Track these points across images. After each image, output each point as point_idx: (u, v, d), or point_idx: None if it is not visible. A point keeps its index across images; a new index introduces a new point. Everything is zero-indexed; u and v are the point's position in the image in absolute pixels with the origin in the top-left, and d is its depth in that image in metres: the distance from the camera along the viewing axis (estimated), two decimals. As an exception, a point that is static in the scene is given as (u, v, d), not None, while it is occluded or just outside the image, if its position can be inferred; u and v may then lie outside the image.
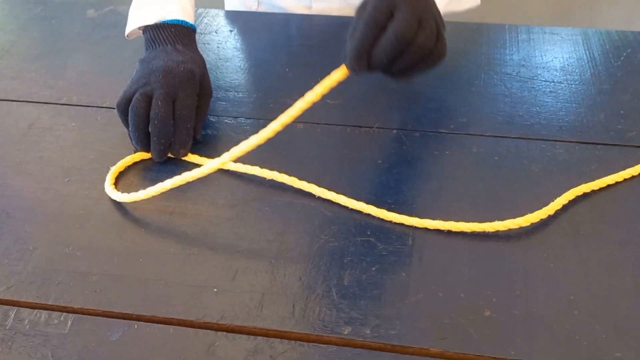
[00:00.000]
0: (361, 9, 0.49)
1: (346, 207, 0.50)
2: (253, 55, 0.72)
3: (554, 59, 0.67)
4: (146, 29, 0.61)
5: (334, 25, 0.76)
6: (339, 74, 0.50)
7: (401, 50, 0.46)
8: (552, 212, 0.48)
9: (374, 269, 0.45)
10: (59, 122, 0.61)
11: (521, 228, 0.48)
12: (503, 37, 0.71)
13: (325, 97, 0.62)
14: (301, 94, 0.63)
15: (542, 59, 0.67)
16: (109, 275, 0.46)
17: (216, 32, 0.75)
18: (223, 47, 0.72)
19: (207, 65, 0.62)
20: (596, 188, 0.51)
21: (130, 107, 0.54)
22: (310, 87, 0.64)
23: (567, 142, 0.56)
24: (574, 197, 0.50)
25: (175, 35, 0.60)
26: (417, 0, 0.47)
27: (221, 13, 0.80)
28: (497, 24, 0.74)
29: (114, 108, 0.61)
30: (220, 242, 0.48)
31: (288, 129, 0.58)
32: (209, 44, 0.73)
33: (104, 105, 0.63)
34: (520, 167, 0.54)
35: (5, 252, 0.48)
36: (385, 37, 0.46)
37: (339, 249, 0.47)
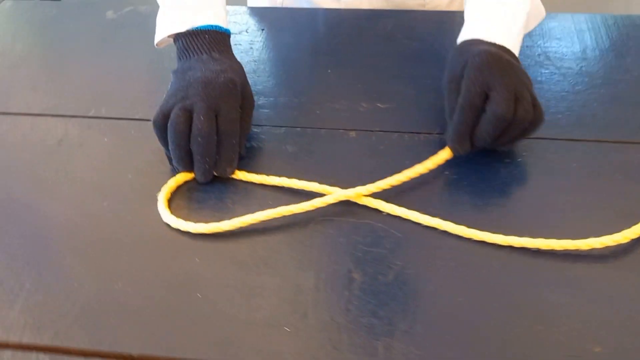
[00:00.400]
0: (450, 83, 0.50)
1: (418, 225, 0.46)
2: (288, 56, 0.66)
3: (615, 51, 0.63)
4: (177, 37, 0.55)
5: (364, 19, 0.71)
6: (445, 154, 0.50)
7: (503, 128, 0.47)
8: None
9: (460, 299, 0.41)
10: (89, 138, 0.56)
11: (619, 245, 0.43)
12: (560, 28, 0.66)
13: (374, 100, 0.58)
14: (348, 98, 0.59)
15: (600, 52, 0.63)
16: (167, 314, 0.41)
17: (247, 32, 0.70)
18: (256, 48, 0.67)
19: (251, 69, 0.57)
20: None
21: (169, 124, 0.49)
22: (356, 90, 0.60)
23: (603, 142, 0.51)
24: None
25: (210, 42, 0.54)
26: (509, 75, 0.47)
27: (247, 10, 0.74)
28: (554, 13, 0.68)
29: (148, 120, 0.57)
30: (284, 272, 0.44)
31: (339, 138, 0.55)
32: (240, 44, 0.68)
33: (136, 117, 0.58)
34: (603, 173, 0.49)
35: (48, 291, 0.43)
36: (486, 119, 0.47)
37: (416, 276, 0.43)
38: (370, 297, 0.42)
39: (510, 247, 0.44)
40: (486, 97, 0.47)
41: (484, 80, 0.47)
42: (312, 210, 0.47)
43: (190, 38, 0.54)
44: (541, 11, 0.57)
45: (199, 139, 0.48)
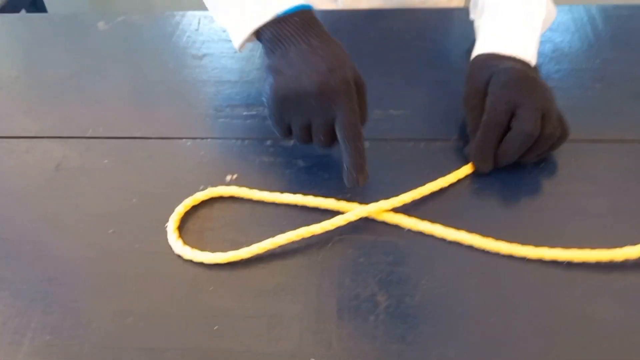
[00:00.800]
0: (472, 99, 0.49)
1: (442, 240, 0.44)
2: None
3: (633, 44, 0.60)
4: (263, 29, 0.47)
5: (364, 19, 0.68)
6: (467, 168, 0.49)
7: (529, 146, 0.46)
8: None
9: (493, 320, 0.39)
10: (89, 160, 0.53)
11: (655, 254, 0.41)
12: (572, 20, 0.64)
13: (387, 107, 0.56)
14: (371, 105, 0.56)
15: (617, 45, 0.60)
16: (183, 349, 0.39)
17: (247, 38, 0.67)
18: (258, 55, 0.64)
19: (243, 77, 0.54)
20: None
21: (294, 140, 0.48)
22: (380, 97, 0.57)
23: (629, 142, 0.49)
24: None
25: (304, 26, 0.46)
26: (535, 92, 0.46)
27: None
28: (565, 5, 0.66)
29: (149, 138, 0.55)
30: (305, 298, 0.41)
31: (353, 148, 0.52)
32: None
33: (136, 136, 0.55)
34: (632, 174, 0.47)
35: (56, 328, 0.41)
36: (512, 136, 0.46)
37: (446, 296, 0.40)
38: (397, 321, 0.39)
39: (541, 260, 0.42)
40: (512, 115, 0.46)
41: (510, 98, 0.46)
42: (331, 230, 0.44)
43: (279, 25, 0.47)
44: (552, 11, 0.55)
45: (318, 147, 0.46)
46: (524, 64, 0.49)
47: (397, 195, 0.47)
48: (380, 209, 0.45)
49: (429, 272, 0.42)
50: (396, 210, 0.46)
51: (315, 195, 0.47)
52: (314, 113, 0.44)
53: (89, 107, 0.59)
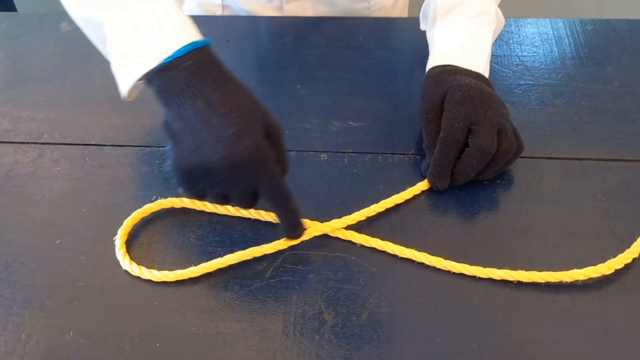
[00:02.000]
0: (428, 113, 0.48)
1: (393, 258, 0.43)
2: (252, 70, 0.63)
3: (595, 59, 0.60)
4: (150, 77, 0.40)
5: (309, 25, 0.67)
6: (423, 185, 0.48)
7: (486, 162, 0.46)
8: (637, 255, 0.42)
9: (438, 340, 0.39)
10: (41, 167, 0.52)
11: (603, 276, 0.41)
12: (538, 34, 0.64)
13: (346, 118, 0.55)
14: (318, 116, 0.56)
15: (582, 60, 0.60)
16: (122, 367, 0.38)
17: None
18: (221, 61, 0.63)
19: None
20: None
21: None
22: (327, 107, 0.56)
23: (633, 162, 0.49)
24: (656, 231, 0.43)
25: (197, 74, 0.40)
26: (491, 108, 0.46)
27: (212, 20, 0.71)
28: (532, 19, 0.66)
29: (104, 145, 0.54)
30: (251, 315, 0.41)
31: (310, 161, 0.51)
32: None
33: (92, 142, 0.54)
34: (585, 194, 0.47)
35: (-7, 344, 0.40)
36: (470, 153, 0.46)
37: (393, 315, 0.40)
38: (342, 341, 0.39)
39: (490, 280, 0.42)
40: (468, 131, 0.46)
41: (466, 115, 0.46)
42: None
43: (167, 74, 0.40)
44: (502, 22, 0.55)
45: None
46: (478, 76, 0.49)
47: (351, 208, 0.46)
48: (334, 228, 0.44)
49: (377, 290, 0.41)
50: (350, 226, 0.45)
51: (267, 209, 0.46)
52: (228, 185, 0.40)
53: (46, 111, 0.58)
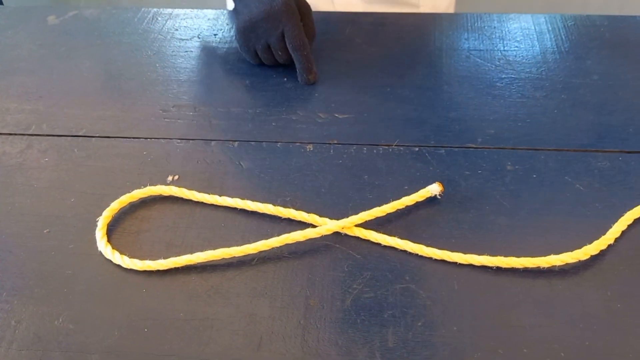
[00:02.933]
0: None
1: (377, 246, 0.44)
2: (243, 63, 0.63)
3: (575, 53, 0.62)
4: None
5: (320, 23, 0.69)
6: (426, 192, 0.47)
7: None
8: (612, 241, 0.43)
9: (419, 324, 0.40)
10: (29, 158, 0.52)
11: (579, 262, 0.42)
12: (520, 29, 0.65)
13: (332, 110, 0.56)
14: (305, 108, 0.56)
15: (563, 54, 0.62)
16: (111, 352, 0.39)
17: (198, 37, 0.67)
18: (208, 54, 0.64)
19: (193, 76, 0.55)
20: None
21: (264, 62, 0.60)
22: (313, 100, 0.57)
23: (609, 152, 0.51)
24: (632, 221, 0.45)
25: None
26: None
27: (198, 14, 0.71)
28: (514, 14, 0.67)
29: (92, 137, 0.54)
30: (237, 300, 0.41)
31: (296, 152, 0.52)
32: (191, 50, 0.65)
33: (80, 134, 0.55)
34: (564, 185, 0.48)
35: (-18, 330, 0.40)
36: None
37: (376, 301, 0.41)
38: (327, 325, 0.40)
39: (471, 266, 0.43)
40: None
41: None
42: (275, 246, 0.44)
43: None
44: None
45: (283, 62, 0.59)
46: None
47: (336, 198, 0.47)
48: (329, 229, 0.45)
49: (361, 277, 0.42)
50: (335, 214, 0.46)
51: (254, 199, 0.47)
52: (268, 34, 0.56)
53: (34, 103, 0.58)
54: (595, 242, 0.42)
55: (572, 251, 0.42)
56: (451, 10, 0.82)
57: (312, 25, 0.59)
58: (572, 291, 0.41)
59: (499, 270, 0.42)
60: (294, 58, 0.58)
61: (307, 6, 0.59)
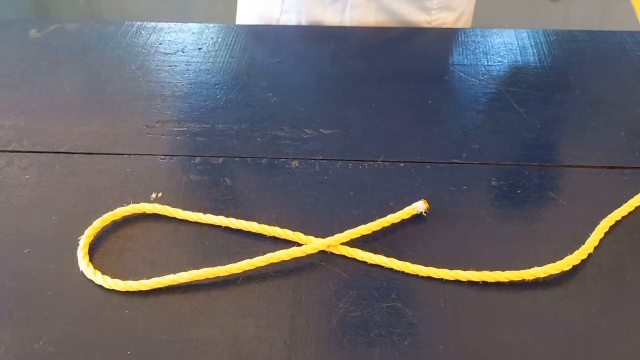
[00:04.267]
0: None
1: (363, 264, 0.44)
2: (226, 77, 0.63)
3: (557, 69, 0.62)
4: None
5: (282, 35, 0.69)
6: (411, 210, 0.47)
7: None
8: (591, 250, 0.43)
9: (406, 343, 0.39)
10: (9, 175, 0.52)
11: (562, 273, 0.43)
12: (503, 44, 0.66)
13: (318, 126, 0.56)
14: (290, 123, 0.56)
15: (546, 69, 0.62)
16: (93, 376, 0.38)
17: (183, 51, 0.66)
18: (192, 70, 0.64)
19: (177, 91, 0.54)
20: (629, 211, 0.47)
21: None
22: (298, 115, 0.57)
23: (591, 168, 0.51)
24: (608, 227, 0.45)
25: None
26: None
27: (183, 28, 0.71)
28: (497, 29, 0.68)
29: (74, 153, 0.53)
30: (221, 321, 0.41)
31: (281, 168, 0.52)
32: (176, 65, 0.64)
33: (61, 150, 0.54)
34: (547, 200, 0.48)
35: (-41, 355, 0.39)
36: None
37: (362, 320, 0.41)
38: (313, 345, 0.40)
39: (457, 282, 0.43)
40: None
41: None
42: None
43: None
44: None
45: None
46: None
47: (321, 214, 0.47)
48: (314, 248, 0.44)
49: (347, 295, 0.42)
50: (319, 232, 0.46)
51: (239, 216, 0.47)
52: None
53: (14, 118, 0.57)
54: (576, 252, 0.43)
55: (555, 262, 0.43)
56: (462, 24, 0.80)
57: None
58: (556, 307, 0.41)
59: (484, 285, 0.43)
60: None
61: None
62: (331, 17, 0.74)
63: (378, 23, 0.74)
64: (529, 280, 0.42)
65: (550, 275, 0.43)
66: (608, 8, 1.35)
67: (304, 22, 0.74)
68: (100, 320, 0.41)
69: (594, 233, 0.45)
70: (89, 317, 0.41)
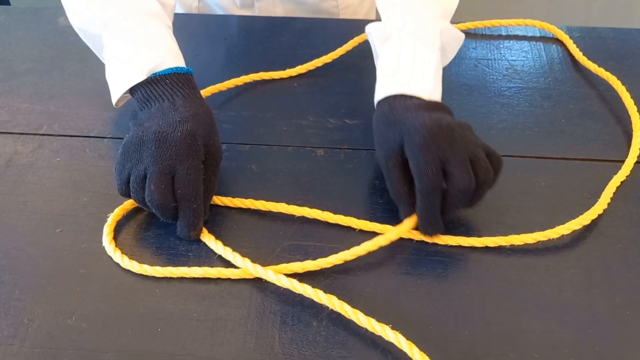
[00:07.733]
0: (389, 160, 0.45)
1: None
2: (251, 66, 0.64)
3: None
4: (135, 88, 0.48)
5: (330, 28, 0.69)
6: (410, 223, 0.45)
7: (471, 196, 0.44)
8: (605, 206, 0.47)
9: (431, 327, 0.40)
10: (41, 157, 0.53)
11: (587, 262, 0.44)
12: (527, 40, 0.66)
13: (342, 116, 0.57)
14: (315, 113, 0.57)
15: (569, 65, 0.62)
16: (125, 352, 0.39)
17: (214, 39, 0.67)
18: (219, 58, 0.64)
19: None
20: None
21: (132, 196, 0.45)
22: (323, 105, 0.58)
23: (615, 162, 0.51)
24: (619, 184, 0.49)
25: (172, 86, 0.47)
26: (457, 142, 0.43)
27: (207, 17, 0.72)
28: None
29: (104, 137, 0.55)
30: (250, 302, 0.42)
31: (307, 156, 0.53)
32: (203, 54, 0.65)
33: (91, 135, 0.55)
34: (571, 192, 0.49)
35: (-5, 328, 0.40)
36: (452, 195, 0.43)
37: (387, 297, 0.41)
38: (339, 327, 0.40)
39: (483, 271, 0.43)
40: (443, 172, 0.43)
41: (435, 158, 0.43)
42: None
43: (149, 87, 0.47)
44: (459, 37, 0.53)
45: (155, 209, 0.44)
46: (428, 105, 0.46)
47: (347, 201, 0.48)
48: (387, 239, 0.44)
49: (375, 277, 0.43)
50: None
51: (266, 200, 0.48)
52: (151, 160, 0.43)
53: (45, 103, 0.59)
54: (586, 213, 0.46)
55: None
56: (372, 16, 0.80)
57: (216, 179, 0.46)
58: (581, 297, 0.42)
59: (509, 279, 0.43)
60: (178, 207, 0.44)
61: (219, 155, 0.47)
62: (240, 10, 0.75)
63: (286, 12, 0.74)
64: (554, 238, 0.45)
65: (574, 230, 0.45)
66: (630, 5, 1.35)
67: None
68: (130, 299, 0.42)
69: (604, 191, 0.48)
70: (120, 295, 0.42)
